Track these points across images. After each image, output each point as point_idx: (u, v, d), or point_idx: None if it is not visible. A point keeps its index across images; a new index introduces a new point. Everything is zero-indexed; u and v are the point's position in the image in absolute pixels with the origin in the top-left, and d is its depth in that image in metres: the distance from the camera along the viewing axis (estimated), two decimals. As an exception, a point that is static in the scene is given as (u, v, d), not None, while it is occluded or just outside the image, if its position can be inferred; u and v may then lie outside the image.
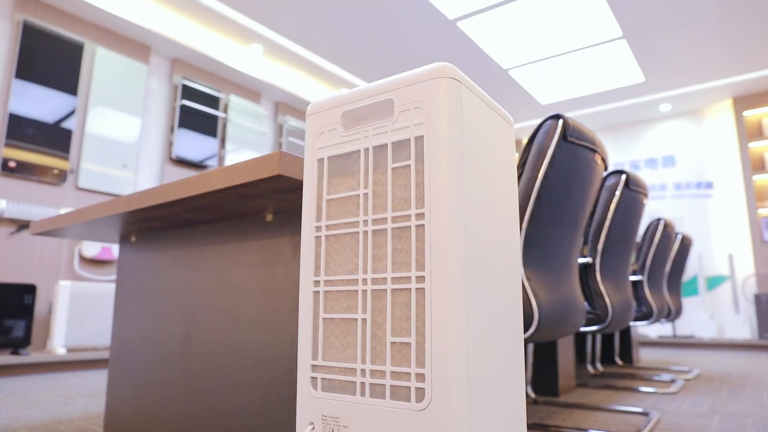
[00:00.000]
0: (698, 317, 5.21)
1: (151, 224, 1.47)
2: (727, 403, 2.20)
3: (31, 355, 2.97)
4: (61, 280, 3.35)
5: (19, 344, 3.02)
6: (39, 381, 2.74)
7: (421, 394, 0.58)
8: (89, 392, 2.41)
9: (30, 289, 3.09)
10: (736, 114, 5.57)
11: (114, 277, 3.66)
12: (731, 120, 5.69)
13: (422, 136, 0.64)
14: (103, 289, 3.32)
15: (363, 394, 0.62)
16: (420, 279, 0.61)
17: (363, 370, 0.63)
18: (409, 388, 0.59)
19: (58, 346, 3.10)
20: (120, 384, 1.64)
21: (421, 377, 0.58)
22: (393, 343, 0.61)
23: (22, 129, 3.30)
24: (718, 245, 5.48)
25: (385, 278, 0.63)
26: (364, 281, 0.65)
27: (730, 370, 3.25)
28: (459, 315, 0.59)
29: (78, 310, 3.19)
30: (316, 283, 0.69)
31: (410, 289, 0.61)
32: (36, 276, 3.28)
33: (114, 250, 3.60)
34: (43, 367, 3.03)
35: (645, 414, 1.96)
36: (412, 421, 0.58)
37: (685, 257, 3.31)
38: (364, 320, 0.64)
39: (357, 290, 0.65)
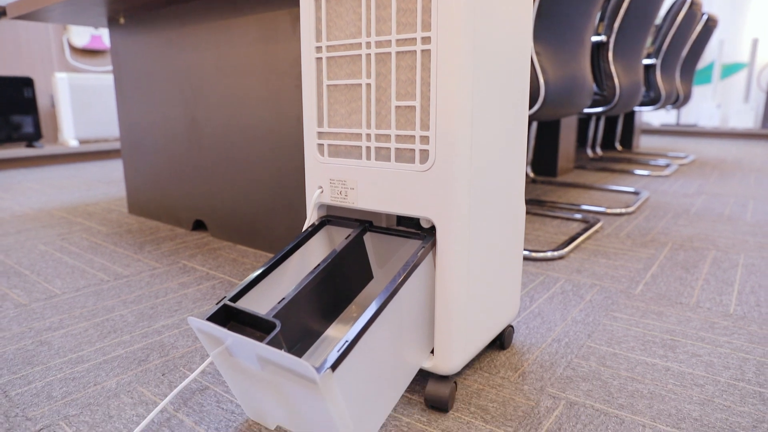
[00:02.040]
0: (705, 106, 5.17)
1: (137, 1, 1.37)
2: (714, 185, 2.32)
3: (45, 148, 3.05)
4: (56, 72, 3.26)
5: (31, 138, 3.09)
6: (58, 171, 2.87)
7: (425, 155, 0.60)
8: (108, 179, 2.54)
9: (27, 82, 3.04)
10: None
11: (110, 67, 3.56)
12: None
13: None
14: (103, 80, 3.25)
15: (368, 157, 0.65)
16: (426, 40, 0.58)
17: (368, 135, 0.64)
18: (414, 150, 0.61)
19: (69, 138, 3.17)
20: (135, 169, 1.71)
21: (425, 139, 0.60)
22: (398, 107, 0.61)
23: None
24: (744, 30, 5.15)
25: (390, 41, 0.60)
26: (368, 45, 0.62)
27: (725, 157, 3.34)
28: (465, 77, 0.57)
29: (81, 102, 3.18)
30: (318, 49, 0.67)
31: (415, 51, 0.59)
32: (29, 69, 3.19)
33: (104, 38, 3.43)
34: (59, 158, 3.14)
35: (636, 193, 2.08)
36: (416, 181, 0.61)
37: (705, 41, 3.13)
38: (368, 85, 0.63)
39: (360, 55, 0.63)
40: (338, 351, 0.49)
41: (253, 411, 0.63)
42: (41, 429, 0.62)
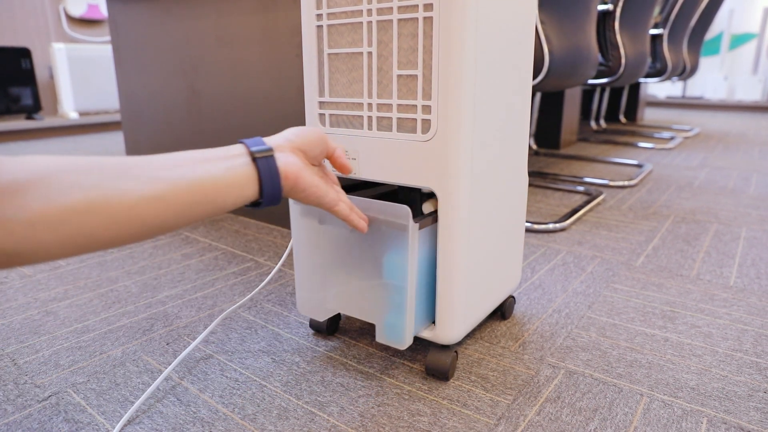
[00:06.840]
0: (712, 78, 5.09)
1: (133, -32, 1.34)
2: (718, 158, 2.30)
3: (45, 120, 3.03)
4: (53, 42, 3.22)
5: (30, 110, 3.07)
6: (58, 144, 2.86)
7: (426, 125, 0.60)
8: (109, 152, 2.53)
9: (24, 53, 3.00)
10: None
11: (109, 38, 3.51)
12: None
13: None
14: (101, 50, 3.21)
15: (370, 127, 0.64)
16: (428, 7, 0.57)
17: (370, 105, 0.63)
18: (415, 120, 0.60)
19: (69, 111, 3.14)
20: (136, 142, 1.70)
21: (427, 109, 0.59)
22: (399, 76, 0.60)
23: None
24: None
25: (391, 8, 0.59)
26: (369, 12, 0.61)
27: (730, 130, 3.31)
28: (468, 45, 0.56)
29: (80, 74, 3.14)
30: (319, 17, 0.65)
31: (418, 18, 0.57)
32: (25, 40, 3.15)
33: (102, 7, 3.38)
34: (59, 131, 3.13)
35: (639, 166, 2.06)
36: (417, 152, 0.61)
37: (714, 11, 3.06)
38: (369, 53, 0.62)
39: (362, 22, 0.61)
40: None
41: (312, 303, 0.69)
42: (50, 396, 0.64)
